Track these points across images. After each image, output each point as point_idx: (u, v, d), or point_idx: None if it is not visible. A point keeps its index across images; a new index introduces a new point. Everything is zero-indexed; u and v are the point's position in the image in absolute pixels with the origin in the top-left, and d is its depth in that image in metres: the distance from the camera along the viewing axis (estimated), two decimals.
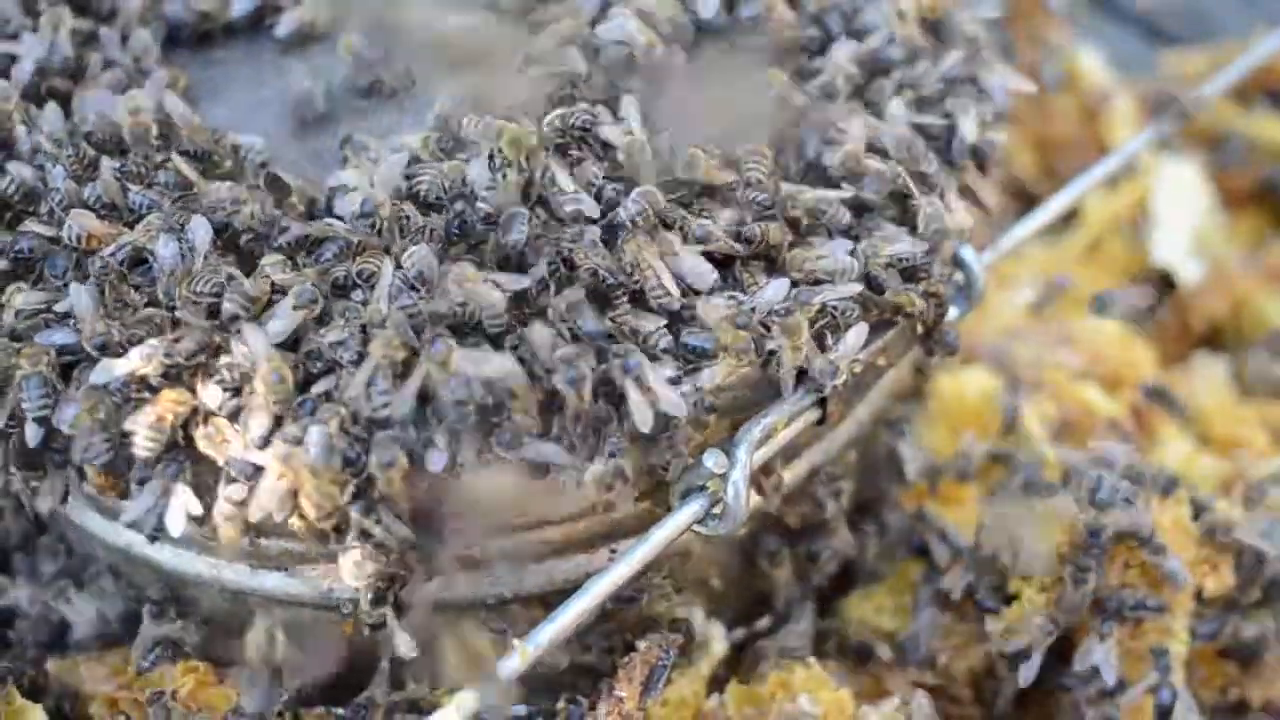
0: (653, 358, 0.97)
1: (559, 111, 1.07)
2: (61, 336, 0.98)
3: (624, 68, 1.12)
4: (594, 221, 1.02)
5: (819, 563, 1.20)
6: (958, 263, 1.13)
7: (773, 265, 1.05)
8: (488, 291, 0.96)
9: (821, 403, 1.05)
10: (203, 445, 0.94)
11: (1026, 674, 1.14)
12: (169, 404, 0.94)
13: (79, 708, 1.13)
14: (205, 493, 0.96)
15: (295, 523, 0.95)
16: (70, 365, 0.98)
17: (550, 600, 1.06)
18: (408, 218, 1.02)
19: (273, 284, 0.99)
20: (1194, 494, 1.23)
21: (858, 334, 1.03)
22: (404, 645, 1.00)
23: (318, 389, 0.94)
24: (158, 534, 0.98)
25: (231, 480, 0.94)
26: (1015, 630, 1.15)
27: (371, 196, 1.02)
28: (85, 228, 1.02)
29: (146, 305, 0.99)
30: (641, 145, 1.04)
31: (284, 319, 0.97)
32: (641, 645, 1.10)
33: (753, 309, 1.01)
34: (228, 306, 0.96)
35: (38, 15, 1.19)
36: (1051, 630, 1.14)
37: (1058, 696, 1.19)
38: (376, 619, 0.99)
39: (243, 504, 0.94)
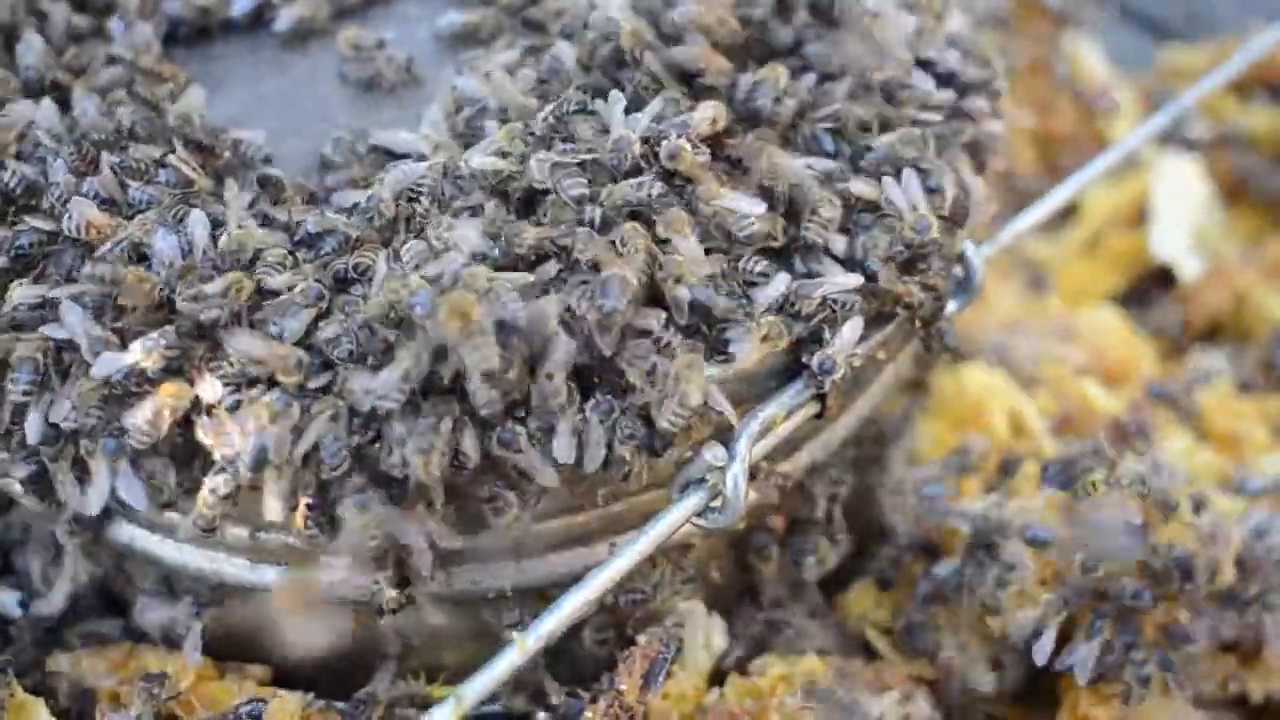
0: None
1: (551, 106, 1.07)
2: (64, 331, 0.98)
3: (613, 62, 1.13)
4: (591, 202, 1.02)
5: (811, 560, 1.20)
6: (957, 256, 1.13)
7: (775, 255, 1.05)
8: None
9: (820, 397, 1.06)
10: (202, 436, 0.94)
11: (1041, 652, 1.13)
12: (167, 398, 0.94)
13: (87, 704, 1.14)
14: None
15: (296, 522, 0.95)
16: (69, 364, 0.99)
17: (550, 593, 1.07)
18: (412, 213, 1.02)
19: (259, 284, 0.99)
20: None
21: (853, 327, 1.03)
22: (434, 615, 1.02)
23: (315, 384, 0.94)
24: (122, 511, 0.98)
25: (220, 470, 0.94)
26: (1026, 608, 1.15)
27: (376, 193, 1.02)
28: (86, 217, 1.02)
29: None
30: (631, 140, 1.04)
31: (296, 319, 0.97)
32: (642, 639, 1.10)
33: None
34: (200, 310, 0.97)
35: (40, 15, 1.20)
36: (1061, 608, 1.14)
37: (1059, 689, 1.19)
38: (399, 602, 0.99)
39: (228, 496, 0.94)
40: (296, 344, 0.96)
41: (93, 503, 0.98)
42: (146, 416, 0.94)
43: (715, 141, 1.07)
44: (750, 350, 1.00)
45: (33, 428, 0.98)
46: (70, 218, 1.02)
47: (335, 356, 0.95)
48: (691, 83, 1.11)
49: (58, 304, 0.99)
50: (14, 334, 0.99)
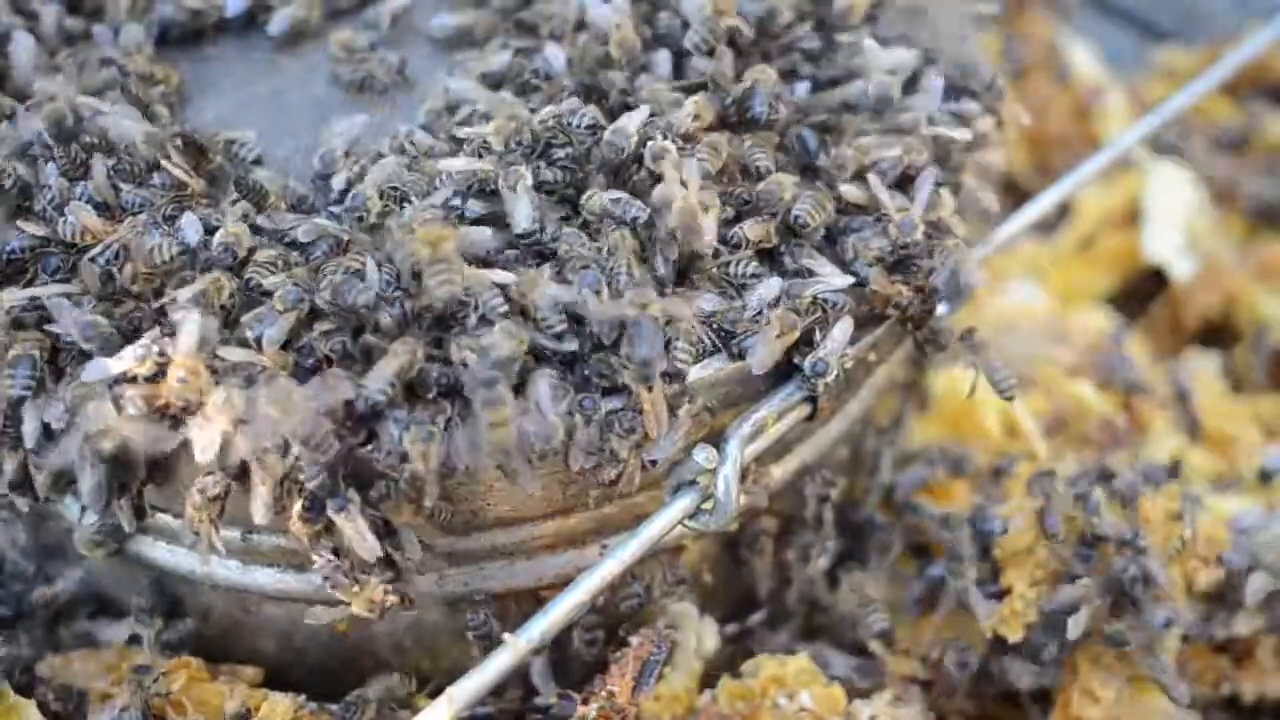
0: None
1: (551, 109, 1.07)
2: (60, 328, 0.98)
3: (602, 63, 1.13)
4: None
5: (808, 559, 1.20)
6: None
7: (766, 257, 1.06)
8: (484, 278, 0.97)
9: (812, 399, 1.06)
10: (194, 433, 0.94)
11: (1074, 628, 1.13)
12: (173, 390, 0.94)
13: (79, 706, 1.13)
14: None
15: (293, 525, 0.95)
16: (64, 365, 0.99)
17: (542, 595, 1.07)
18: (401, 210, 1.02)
19: (248, 284, 0.99)
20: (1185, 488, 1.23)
21: (843, 328, 1.03)
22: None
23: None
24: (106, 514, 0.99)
25: (209, 472, 0.94)
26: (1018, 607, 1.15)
27: (360, 190, 1.02)
28: (82, 223, 1.02)
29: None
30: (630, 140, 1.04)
31: (277, 325, 0.97)
32: (634, 640, 1.10)
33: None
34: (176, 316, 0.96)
35: (29, 15, 1.20)
36: (1101, 593, 1.14)
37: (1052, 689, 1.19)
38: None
39: (216, 499, 0.94)
40: (283, 348, 0.96)
41: (78, 509, 0.98)
42: (143, 396, 0.93)
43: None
44: (766, 350, 1.00)
45: (29, 430, 0.97)
46: (66, 222, 1.02)
47: (329, 350, 0.95)
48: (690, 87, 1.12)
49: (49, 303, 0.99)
50: (13, 332, 0.98)
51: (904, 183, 1.10)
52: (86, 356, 0.96)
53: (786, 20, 1.16)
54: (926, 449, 1.33)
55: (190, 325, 0.94)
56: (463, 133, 1.08)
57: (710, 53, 1.12)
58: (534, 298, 0.97)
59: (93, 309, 0.98)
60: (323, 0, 1.25)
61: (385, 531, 0.96)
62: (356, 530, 0.94)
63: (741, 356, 1.01)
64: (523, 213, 1.01)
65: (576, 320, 0.97)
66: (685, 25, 1.14)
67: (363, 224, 1.02)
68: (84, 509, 1.04)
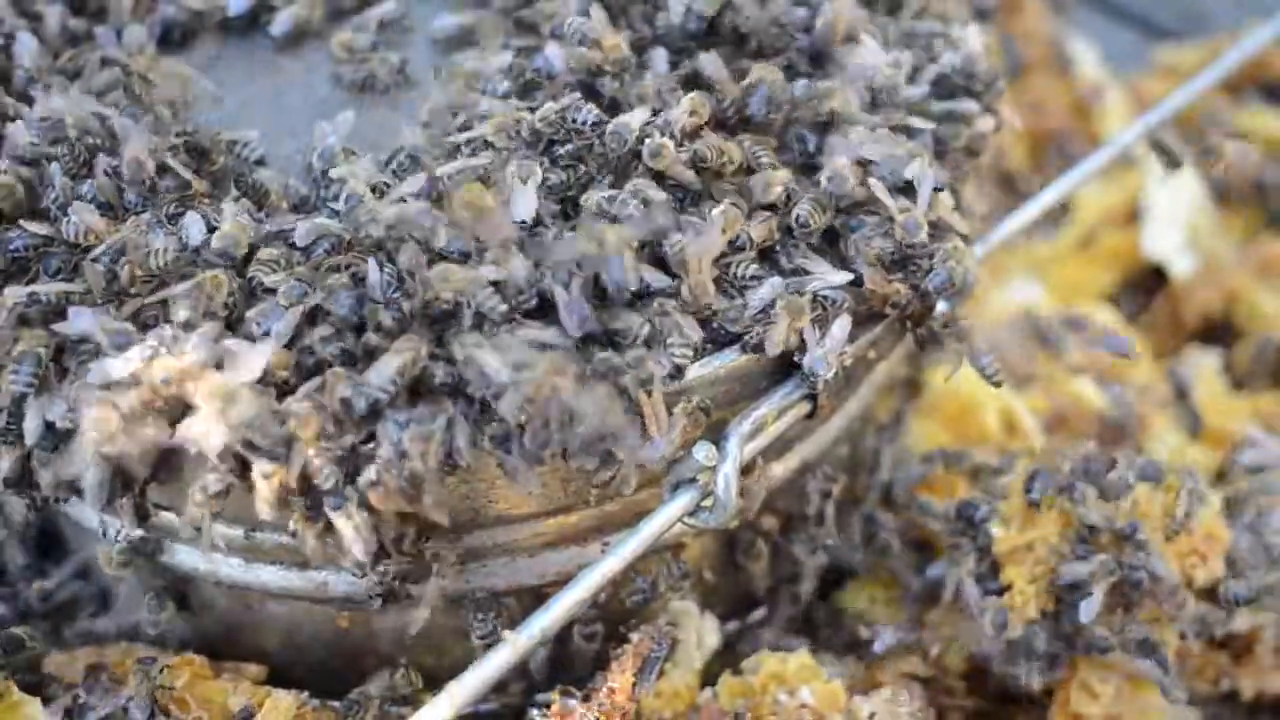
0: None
1: (553, 105, 1.07)
2: (74, 328, 0.98)
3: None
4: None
5: (806, 560, 1.21)
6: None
7: (766, 256, 1.06)
8: (479, 276, 0.97)
9: (812, 396, 1.06)
10: (193, 427, 0.94)
11: (1087, 610, 1.13)
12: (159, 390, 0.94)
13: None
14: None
15: (294, 523, 0.96)
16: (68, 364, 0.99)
17: (544, 592, 1.08)
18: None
19: (250, 282, 1.00)
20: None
21: (842, 326, 1.04)
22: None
23: (304, 390, 0.95)
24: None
25: (211, 469, 0.95)
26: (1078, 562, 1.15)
27: (355, 191, 1.03)
28: (86, 223, 1.02)
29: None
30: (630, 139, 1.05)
31: (284, 320, 0.97)
32: (635, 637, 1.11)
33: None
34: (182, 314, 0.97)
35: (31, 16, 1.20)
36: (1114, 570, 1.14)
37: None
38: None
39: (218, 496, 0.95)
40: (287, 345, 0.97)
41: (88, 505, 0.99)
42: (140, 399, 0.94)
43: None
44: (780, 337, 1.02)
45: (31, 428, 0.98)
46: (70, 221, 1.02)
47: (328, 354, 0.96)
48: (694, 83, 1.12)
49: (55, 301, 0.99)
50: (19, 329, 0.99)
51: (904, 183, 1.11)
52: (93, 356, 0.97)
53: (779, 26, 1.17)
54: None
55: (199, 332, 0.95)
56: (462, 136, 1.08)
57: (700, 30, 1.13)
58: (508, 268, 0.97)
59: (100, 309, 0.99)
60: (325, 0, 1.25)
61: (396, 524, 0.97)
62: (354, 528, 0.94)
63: (755, 350, 1.02)
64: (523, 203, 1.02)
65: (547, 300, 0.98)
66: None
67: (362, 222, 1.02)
68: (108, 528, 1.04)
